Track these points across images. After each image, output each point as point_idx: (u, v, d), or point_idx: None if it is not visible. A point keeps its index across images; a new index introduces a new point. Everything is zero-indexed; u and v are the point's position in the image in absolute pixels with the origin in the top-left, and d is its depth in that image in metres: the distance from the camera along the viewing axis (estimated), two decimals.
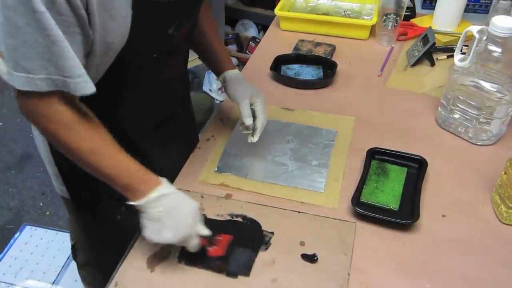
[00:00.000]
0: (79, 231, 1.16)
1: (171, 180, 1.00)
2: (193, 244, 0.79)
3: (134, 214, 0.78)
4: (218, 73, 1.07)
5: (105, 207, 1.00)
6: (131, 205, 0.76)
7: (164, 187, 0.77)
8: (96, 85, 0.80)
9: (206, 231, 0.79)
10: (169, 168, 1.02)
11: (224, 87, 1.06)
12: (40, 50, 0.64)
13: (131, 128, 0.93)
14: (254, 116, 0.98)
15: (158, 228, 0.76)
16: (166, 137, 1.03)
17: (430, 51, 1.31)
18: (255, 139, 0.99)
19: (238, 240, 0.86)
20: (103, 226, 1.04)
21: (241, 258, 0.83)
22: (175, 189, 0.79)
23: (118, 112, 0.89)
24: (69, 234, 1.24)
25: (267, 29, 1.60)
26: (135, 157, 0.96)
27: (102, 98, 0.83)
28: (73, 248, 1.21)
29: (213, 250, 0.83)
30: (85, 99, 0.81)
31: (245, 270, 0.81)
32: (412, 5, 1.55)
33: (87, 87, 0.69)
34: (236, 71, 1.06)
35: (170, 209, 0.76)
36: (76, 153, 0.74)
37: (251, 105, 0.99)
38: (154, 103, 0.95)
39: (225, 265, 0.81)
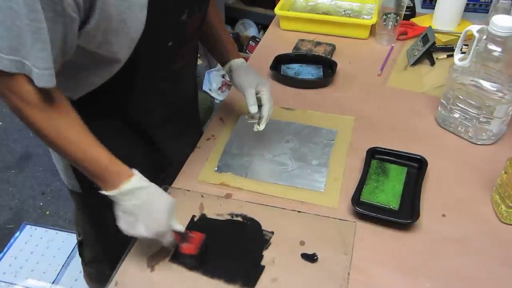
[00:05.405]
0: (87, 225, 1.15)
1: (180, 168, 1.02)
2: (167, 241, 0.79)
3: None
4: (223, 62, 1.07)
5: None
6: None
7: (137, 180, 0.75)
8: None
9: (179, 227, 0.79)
10: (180, 158, 1.04)
11: (230, 77, 1.06)
12: (16, 34, 0.62)
13: (144, 118, 0.94)
14: (260, 105, 0.99)
15: (131, 221, 0.75)
16: (177, 128, 1.03)
17: (430, 50, 1.31)
18: (261, 127, 0.99)
19: (240, 246, 0.85)
20: (112, 218, 1.04)
21: (244, 268, 0.82)
22: (149, 182, 0.77)
23: (131, 102, 0.89)
24: (75, 231, 1.22)
25: (267, 28, 1.60)
26: (148, 147, 0.95)
27: (116, 88, 0.83)
28: (80, 244, 1.21)
29: (185, 248, 0.81)
30: (100, 89, 0.82)
31: (247, 282, 0.79)
32: (412, 5, 1.55)
33: (49, 80, 0.67)
34: (241, 60, 1.06)
35: (144, 203, 0.75)
36: (42, 134, 0.72)
37: (257, 93, 0.98)
38: (166, 94, 0.95)
39: (223, 274, 0.80)
